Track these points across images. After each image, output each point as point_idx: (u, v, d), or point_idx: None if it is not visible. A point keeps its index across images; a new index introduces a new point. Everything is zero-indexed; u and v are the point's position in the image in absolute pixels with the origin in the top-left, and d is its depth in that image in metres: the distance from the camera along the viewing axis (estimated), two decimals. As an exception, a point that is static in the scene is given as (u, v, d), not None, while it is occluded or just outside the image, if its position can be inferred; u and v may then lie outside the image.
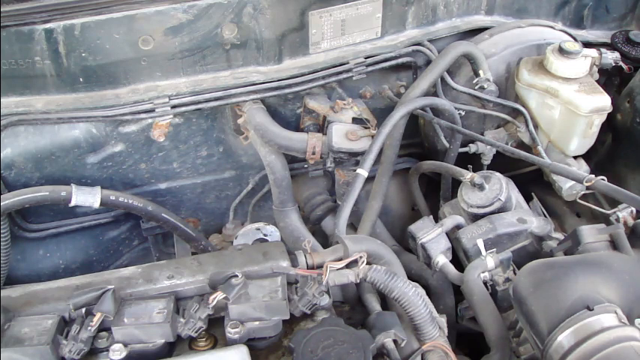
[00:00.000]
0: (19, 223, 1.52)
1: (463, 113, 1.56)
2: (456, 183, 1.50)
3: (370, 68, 1.53)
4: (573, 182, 1.50)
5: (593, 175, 1.28)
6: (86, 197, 1.40)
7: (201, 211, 1.75)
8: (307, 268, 1.22)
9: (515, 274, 1.27)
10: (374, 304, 1.32)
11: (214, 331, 1.17)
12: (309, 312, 1.17)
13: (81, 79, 1.38)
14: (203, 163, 1.64)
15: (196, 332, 1.12)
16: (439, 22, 1.60)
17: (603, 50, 1.59)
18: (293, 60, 1.50)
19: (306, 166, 1.68)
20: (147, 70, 1.41)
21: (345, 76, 1.52)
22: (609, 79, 1.70)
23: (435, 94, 1.58)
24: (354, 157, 1.48)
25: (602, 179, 1.28)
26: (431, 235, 1.34)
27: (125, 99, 1.41)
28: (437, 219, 1.44)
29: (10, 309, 1.12)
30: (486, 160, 1.63)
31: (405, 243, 1.55)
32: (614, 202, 1.44)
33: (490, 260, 1.25)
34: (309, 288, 1.15)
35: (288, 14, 1.42)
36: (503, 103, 1.56)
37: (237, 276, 1.13)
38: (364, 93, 1.62)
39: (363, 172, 1.40)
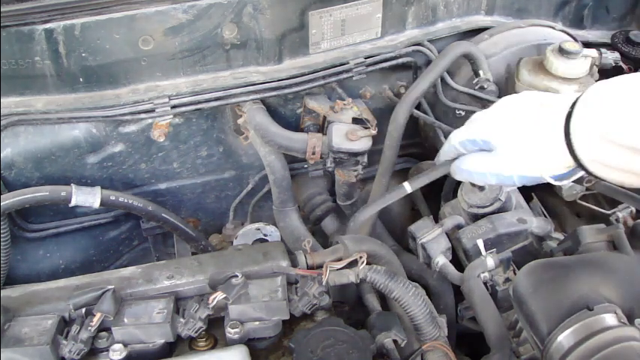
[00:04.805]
0: (19, 223, 1.52)
1: (463, 113, 1.56)
2: (457, 183, 1.50)
3: (370, 68, 1.53)
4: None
5: (593, 176, 1.28)
6: (86, 197, 1.40)
7: (201, 211, 1.75)
8: (307, 268, 1.22)
9: (515, 274, 1.27)
10: (374, 304, 1.32)
11: (214, 331, 1.17)
12: (309, 312, 1.17)
13: (81, 79, 1.38)
14: (203, 163, 1.64)
15: (196, 332, 1.12)
16: (439, 22, 1.60)
17: (603, 50, 1.59)
18: (293, 60, 1.50)
19: (306, 166, 1.68)
20: (147, 70, 1.41)
21: (345, 76, 1.52)
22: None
23: (435, 95, 1.58)
24: (354, 157, 1.48)
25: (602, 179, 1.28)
26: (431, 235, 1.35)
27: (125, 99, 1.41)
28: (437, 219, 1.44)
29: (10, 309, 1.12)
30: (486, 160, 1.63)
31: (405, 243, 1.55)
32: (614, 203, 1.44)
33: (490, 260, 1.25)
34: (309, 288, 1.15)
35: (288, 14, 1.42)
36: (504, 103, 1.56)
37: (237, 276, 1.13)
38: (364, 93, 1.62)
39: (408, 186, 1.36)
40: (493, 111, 1.09)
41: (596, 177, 0.96)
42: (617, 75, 0.94)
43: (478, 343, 1.28)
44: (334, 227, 1.70)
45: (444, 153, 1.18)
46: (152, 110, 1.43)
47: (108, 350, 1.09)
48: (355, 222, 1.41)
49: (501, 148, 1.04)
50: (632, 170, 0.91)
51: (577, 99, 0.95)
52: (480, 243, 1.29)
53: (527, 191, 1.51)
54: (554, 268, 1.08)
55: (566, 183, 1.04)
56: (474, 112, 1.56)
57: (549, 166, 1.00)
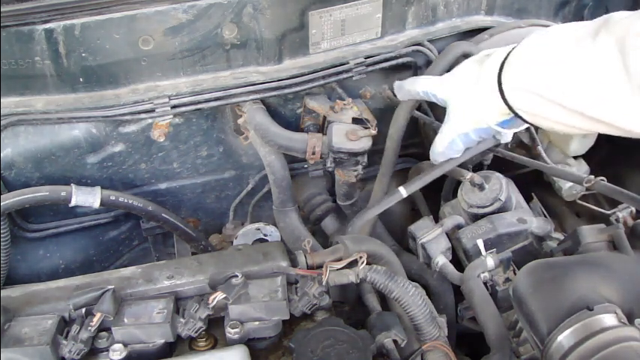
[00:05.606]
0: (19, 223, 1.52)
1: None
2: (457, 183, 1.50)
3: (370, 68, 1.53)
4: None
5: (592, 176, 1.28)
6: (86, 197, 1.40)
7: (201, 211, 1.75)
8: (307, 268, 1.22)
9: (515, 274, 1.27)
10: (374, 304, 1.32)
11: (214, 331, 1.17)
12: (309, 312, 1.17)
13: (81, 79, 1.38)
14: (203, 163, 1.64)
15: (196, 332, 1.12)
16: (439, 22, 1.60)
17: (603, 50, 1.58)
18: (293, 60, 1.50)
19: (306, 166, 1.68)
20: (147, 70, 1.41)
21: (345, 76, 1.52)
22: (609, 79, 1.70)
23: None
24: (354, 157, 1.48)
25: (602, 180, 1.28)
26: (431, 235, 1.35)
27: (125, 99, 1.41)
28: (437, 219, 1.44)
29: (10, 309, 1.12)
30: (486, 161, 1.63)
31: (405, 243, 1.55)
32: (614, 203, 1.44)
33: (490, 260, 1.25)
34: (309, 288, 1.15)
35: (288, 14, 1.42)
36: (503, 103, 1.56)
37: (237, 276, 1.14)
38: (364, 93, 1.62)
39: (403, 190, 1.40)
40: (451, 78, 1.23)
41: (529, 124, 1.10)
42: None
43: (478, 343, 1.28)
44: (334, 227, 1.70)
45: (406, 91, 1.33)
46: (152, 110, 1.42)
47: (108, 350, 1.09)
48: (353, 228, 1.41)
49: (451, 108, 1.20)
50: (560, 121, 1.02)
51: (509, 53, 1.08)
52: (480, 243, 1.29)
53: (527, 191, 1.51)
54: (554, 268, 1.08)
55: (508, 132, 1.19)
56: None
57: (490, 114, 1.13)
